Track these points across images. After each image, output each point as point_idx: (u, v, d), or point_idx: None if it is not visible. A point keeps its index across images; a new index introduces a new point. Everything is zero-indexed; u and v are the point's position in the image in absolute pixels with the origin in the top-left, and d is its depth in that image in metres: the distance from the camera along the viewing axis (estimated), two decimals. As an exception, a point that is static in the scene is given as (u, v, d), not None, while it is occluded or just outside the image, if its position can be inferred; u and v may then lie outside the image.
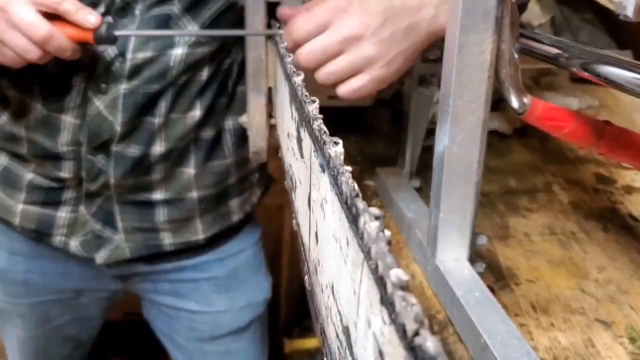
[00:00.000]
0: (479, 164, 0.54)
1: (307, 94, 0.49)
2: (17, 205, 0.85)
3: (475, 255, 0.59)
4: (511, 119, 0.97)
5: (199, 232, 0.90)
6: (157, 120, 0.78)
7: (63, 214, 0.84)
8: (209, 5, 0.75)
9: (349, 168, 0.36)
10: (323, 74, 0.62)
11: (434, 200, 0.57)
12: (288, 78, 0.59)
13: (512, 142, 0.97)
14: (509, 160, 0.93)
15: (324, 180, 0.40)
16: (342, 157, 0.37)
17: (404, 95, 0.77)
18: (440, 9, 0.59)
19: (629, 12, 0.47)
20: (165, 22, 0.74)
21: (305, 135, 0.48)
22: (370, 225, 0.30)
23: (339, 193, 0.36)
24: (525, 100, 0.56)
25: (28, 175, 0.84)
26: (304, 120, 0.48)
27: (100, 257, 0.86)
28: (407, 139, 0.77)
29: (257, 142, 0.82)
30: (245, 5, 0.74)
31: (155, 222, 0.86)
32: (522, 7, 0.68)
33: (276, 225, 1.61)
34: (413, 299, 0.24)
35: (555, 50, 0.58)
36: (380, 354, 0.27)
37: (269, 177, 1.00)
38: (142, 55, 0.74)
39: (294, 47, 0.63)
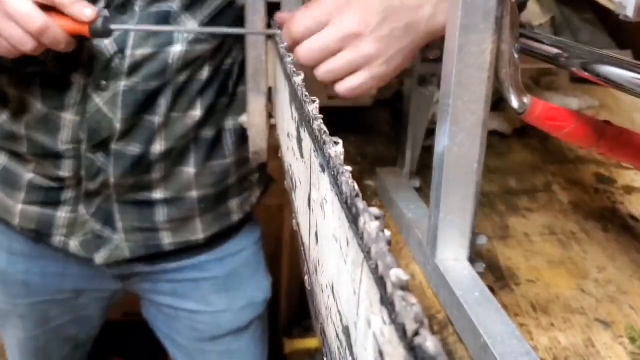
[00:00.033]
0: (479, 164, 0.54)
1: (307, 94, 0.49)
2: (17, 206, 0.85)
3: (475, 255, 0.59)
4: (511, 119, 0.97)
5: (198, 231, 0.90)
6: (157, 119, 0.78)
7: (62, 214, 0.84)
8: (208, 3, 0.75)
9: (349, 168, 0.36)
10: (322, 72, 0.62)
11: (434, 200, 0.57)
12: (288, 78, 0.59)
13: (512, 142, 0.97)
14: (509, 160, 0.93)
15: (324, 180, 0.40)
16: (342, 157, 0.37)
17: (404, 96, 0.77)
18: (438, 7, 0.59)
19: (629, 12, 0.47)
20: (165, 18, 0.74)
21: (305, 135, 0.48)
22: (370, 225, 0.30)
23: (339, 193, 0.36)
24: (525, 100, 0.56)
25: (27, 175, 0.84)
26: (304, 120, 0.48)
27: (100, 257, 0.86)
28: (407, 139, 0.77)
29: (257, 142, 0.82)
30: (245, 5, 0.74)
31: (154, 222, 0.86)
32: (521, 7, 0.68)
33: (276, 225, 1.61)
34: (413, 299, 0.24)
35: (555, 50, 0.58)
36: (381, 354, 0.27)
37: (269, 177, 1.00)
38: (141, 52, 0.74)
39: (293, 45, 0.63)
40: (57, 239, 0.86)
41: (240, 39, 0.78)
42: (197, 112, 0.81)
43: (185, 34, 0.75)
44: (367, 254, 0.29)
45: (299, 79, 0.53)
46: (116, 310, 1.07)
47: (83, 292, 0.96)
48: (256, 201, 0.98)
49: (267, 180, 1.00)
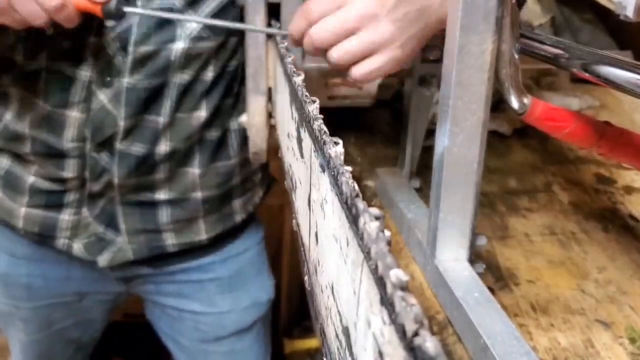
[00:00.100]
0: (479, 165, 0.54)
1: (307, 94, 0.49)
2: (20, 209, 0.85)
3: (475, 256, 0.59)
4: (511, 120, 0.97)
5: (202, 232, 0.90)
6: (161, 119, 0.78)
7: (66, 217, 0.84)
8: (209, 1, 0.75)
9: (349, 168, 0.36)
10: (338, 52, 0.60)
11: (433, 201, 0.57)
12: (288, 78, 0.59)
13: (512, 143, 0.97)
14: (509, 160, 0.93)
15: (324, 180, 0.40)
16: (342, 157, 0.37)
17: (404, 96, 0.77)
18: None
19: (629, 12, 0.47)
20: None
21: (305, 136, 0.48)
22: (370, 225, 0.30)
23: (339, 193, 0.36)
24: (526, 100, 0.56)
25: (30, 178, 0.83)
26: (304, 120, 0.48)
27: (103, 259, 0.86)
28: (407, 139, 0.77)
29: (257, 142, 0.82)
30: (245, 4, 0.74)
31: (158, 223, 0.86)
32: (520, 4, 0.68)
33: (277, 226, 1.61)
34: (413, 300, 0.24)
35: (555, 51, 0.58)
36: (380, 354, 0.27)
37: (271, 177, 1.01)
38: (144, 49, 0.74)
39: (308, 27, 0.62)
40: (61, 242, 0.86)
41: (243, 40, 0.78)
42: (202, 113, 0.81)
43: (188, 31, 0.75)
44: (367, 254, 0.29)
45: (299, 79, 0.53)
46: (117, 311, 1.07)
47: (86, 295, 0.96)
48: (259, 201, 0.98)
49: (270, 180, 1.00)
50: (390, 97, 0.99)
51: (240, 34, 0.78)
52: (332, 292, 0.39)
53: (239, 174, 0.90)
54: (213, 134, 0.84)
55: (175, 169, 0.83)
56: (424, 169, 0.77)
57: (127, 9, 0.68)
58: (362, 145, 0.95)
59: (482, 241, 0.59)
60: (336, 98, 0.93)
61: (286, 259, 1.68)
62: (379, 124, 1.02)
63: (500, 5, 0.49)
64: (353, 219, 0.32)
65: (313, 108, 0.45)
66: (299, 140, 0.51)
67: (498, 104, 0.84)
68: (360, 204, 0.32)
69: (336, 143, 0.39)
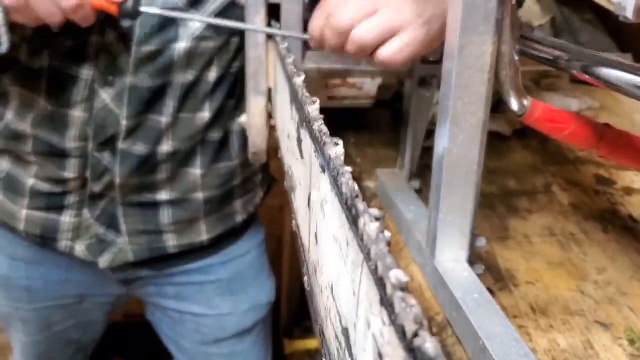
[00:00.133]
0: (479, 165, 0.54)
1: (307, 94, 0.49)
2: (21, 211, 0.85)
3: (474, 257, 0.59)
4: (511, 120, 0.97)
5: (202, 233, 0.90)
6: (164, 118, 0.78)
7: (67, 219, 0.84)
8: (211, 0, 0.75)
9: (349, 169, 0.36)
10: (360, 31, 0.59)
11: (433, 201, 0.57)
12: (288, 78, 0.59)
13: (512, 143, 0.97)
14: (509, 161, 0.93)
15: (324, 180, 0.40)
16: (342, 158, 0.38)
17: (404, 96, 0.77)
18: None
19: (629, 13, 0.47)
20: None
21: (305, 136, 0.48)
22: (370, 226, 0.30)
23: (339, 194, 0.36)
24: (525, 102, 0.56)
25: (29, 180, 0.83)
26: (304, 120, 0.48)
27: (104, 260, 0.86)
28: (406, 140, 0.77)
29: (257, 142, 0.82)
30: (245, 4, 0.74)
31: (159, 224, 0.86)
32: (519, 4, 0.68)
33: (277, 226, 1.61)
34: (412, 300, 0.24)
35: (555, 52, 0.58)
36: (380, 355, 0.27)
37: (271, 177, 1.01)
38: (147, 48, 0.74)
39: (325, 20, 0.61)
40: (63, 244, 0.86)
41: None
42: (205, 114, 0.81)
43: (191, 31, 0.75)
44: (367, 254, 0.29)
45: (299, 80, 0.53)
46: (117, 311, 1.07)
47: (86, 297, 0.96)
48: (259, 202, 0.98)
49: (270, 180, 1.00)
50: (390, 98, 0.99)
51: (243, 34, 0.78)
52: (332, 293, 0.39)
53: (240, 175, 0.90)
54: (215, 134, 0.84)
55: (177, 169, 0.83)
56: (423, 169, 0.77)
57: (143, 8, 0.68)
58: (362, 145, 0.95)
59: (481, 242, 0.59)
60: (336, 98, 0.93)
61: (286, 260, 1.68)
62: (378, 124, 1.02)
63: (500, 6, 0.49)
64: (353, 219, 0.32)
65: (313, 109, 0.45)
66: (299, 141, 0.51)
67: (498, 104, 0.84)
68: (360, 205, 0.32)
69: (336, 143, 0.39)
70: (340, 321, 0.36)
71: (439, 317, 0.58)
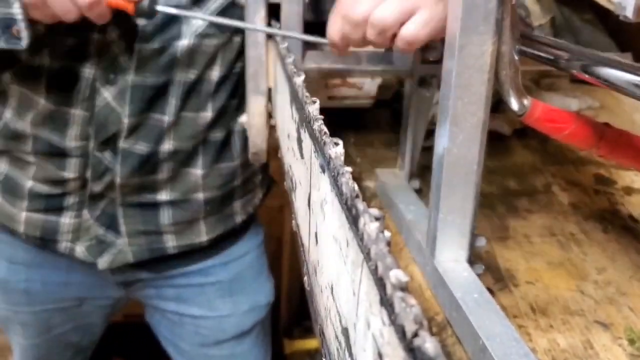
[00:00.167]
0: (479, 165, 0.54)
1: (307, 94, 0.49)
2: (21, 213, 0.85)
3: (474, 257, 0.59)
4: (511, 120, 0.97)
5: (202, 234, 0.90)
6: (166, 117, 0.78)
7: (67, 220, 0.84)
8: None
9: (349, 169, 0.36)
10: (381, 11, 0.59)
11: (433, 201, 0.57)
12: (288, 78, 0.59)
13: (512, 143, 0.97)
14: (509, 161, 0.93)
15: (324, 181, 0.40)
16: (342, 158, 0.38)
17: (404, 96, 0.77)
18: None
19: (629, 12, 0.47)
20: None
21: (305, 136, 0.48)
22: (370, 226, 0.30)
23: (339, 194, 0.36)
24: (525, 102, 0.56)
25: (28, 182, 0.83)
26: (304, 120, 0.48)
27: (104, 261, 0.85)
28: (406, 140, 0.77)
29: (257, 142, 0.82)
30: (245, 4, 0.74)
31: (159, 225, 0.86)
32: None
33: (277, 226, 1.61)
34: (412, 300, 0.24)
35: (555, 52, 0.58)
36: (380, 355, 0.27)
37: (270, 178, 1.01)
38: (150, 46, 0.74)
39: (344, 19, 0.62)
40: (63, 245, 0.86)
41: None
42: (208, 114, 0.81)
43: (194, 28, 0.75)
44: (367, 254, 0.29)
45: (299, 80, 0.53)
46: (117, 312, 1.07)
47: (86, 300, 0.96)
48: (258, 202, 0.98)
49: (269, 181, 1.00)
50: (390, 98, 0.99)
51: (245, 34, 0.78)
52: (332, 293, 0.39)
53: (241, 175, 0.90)
54: (217, 134, 0.84)
55: (178, 169, 0.83)
56: (423, 169, 0.77)
57: (160, 7, 0.68)
58: (362, 145, 0.95)
59: (481, 242, 0.59)
60: (336, 98, 0.93)
61: (286, 260, 1.68)
62: (379, 124, 1.02)
63: (500, 6, 0.49)
64: (353, 219, 0.32)
65: (313, 109, 0.45)
66: (299, 141, 0.51)
67: (498, 104, 0.84)
68: (360, 205, 0.32)
69: (336, 144, 0.39)
70: (340, 321, 0.36)
71: (439, 317, 0.58)
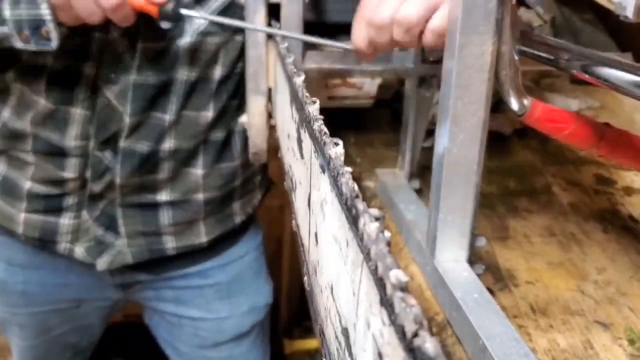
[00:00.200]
0: (479, 165, 0.54)
1: (307, 94, 0.49)
2: (20, 214, 0.84)
3: (475, 257, 0.59)
4: (511, 120, 0.97)
5: (202, 235, 0.89)
6: (168, 116, 0.78)
7: (66, 221, 0.84)
8: None
9: (349, 169, 0.36)
10: (406, 8, 0.59)
11: (433, 201, 0.57)
12: (289, 78, 0.59)
13: (512, 143, 0.97)
14: (509, 161, 0.93)
15: (324, 181, 0.40)
16: (342, 158, 0.37)
17: (404, 96, 0.77)
18: None
19: (629, 12, 0.47)
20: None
21: (305, 136, 0.48)
22: (370, 226, 0.30)
23: (339, 194, 0.36)
24: (525, 102, 0.56)
25: (26, 183, 0.83)
26: (304, 121, 0.48)
27: (102, 262, 0.85)
28: (406, 140, 0.77)
29: (257, 142, 0.82)
30: (245, 4, 0.74)
31: (158, 225, 0.86)
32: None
33: (277, 226, 1.61)
34: (412, 300, 0.24)
35: (555, 52, 0.58)
36: (380, 355, 0.27)
37: (270, 179, 1.00)
38: (152, 45, 0.74)
39: (366, 23, 0.62)
40: (62, 246, 0.85)
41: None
42: (209, 113, 0.81)
43: (195, 26, 0.75)
44: (367, 255, 0.29)
45: (299, 80, 0.53)
46: (116, 312, 1.07)
47: (84, 302, 0.96)
48: (257, 203, 0.98)
49: (268, 183, 1.00)
50: (390, 98, 0.99)
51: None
52: (332, 293, 0.39)
53: (241, 176, 0.90)
54: (218, 134, 0.83)
55: (179, 169, 0.83)
56: (424, 169, 0.77)
57: (184, 11, 0.68)
58: (362, 145, 0.95)
59: (481, 242, 0.59)
60: (336, 98, 0.93)
61: (286, 260, 1.68)
62: (379, 124, 1.02)
63: (500, 6, 0.49)
64: (353, 219, 0.32)
65: (313, 109, 0.45)
66: (299, 141, 0.51)
67: (498, 104, 0.84)
68: (360, 205, 0.32)
69: (336, 144, 0.39)
70: (340, 321, 0.36)
71: (439, 317, 0.58)
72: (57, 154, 0.79)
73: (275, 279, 1.05)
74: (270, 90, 0.78)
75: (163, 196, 0.84)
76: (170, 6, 0.66)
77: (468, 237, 0.57)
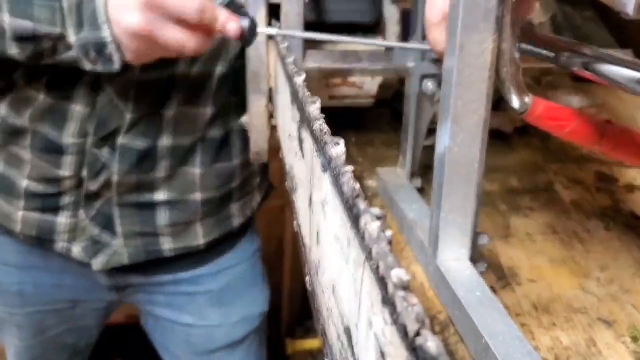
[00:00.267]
0: (480, 164, 0.54)
1: (308, 94, 0.49)
2: (18, 213, 0.85)
3: (477, 255, 0.59)
4: (512, 118, 0.97)
5: (199, 236, 0.89)
6: (167, 112, 0.78)
7: (63, 220, 0.84)
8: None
9: (351, 168, 0.36)
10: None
11: (435, 200, 0.57)
12: (289, 78, 0.59)
13: (514, 141, 0.97)
14: (511, 159, 0.93)
15: (326, 180, 0.40)
16: (343, 158, 0.37)
17: (405, 96, 0.77)
18: None
19: (629, 9, 0.46)
20: None
21: (306, 136, 0.48)
22: (371, 225, 0.30)
23: (341, 193, 0.36)
24: (527, 100, 0.56)
25: (24, 182, 0.83)
26: (306, 120, 0.48)
27: (98, 262, 0.85)
28: (408, 139, 0.77)
29: (258, 142, 0.82)
30: (245, 4, 0.74)
31: (156, 226, 0.85)
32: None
33: (278, 226, 1.61)
34: (414, 300, 0.24)
35: (556, 50, 0.58)
36: (382, 354, 0.27)
37: (269, 183, 1.00)
38: None
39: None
40: (60, 245, 0.85)
41: None
42: (208, 110, 0.80)
43: None
44: (369, 254, 0.29)
45: (300, 80, 0.53)
46: (118, 313, 1.07)
47: (79, 303, 0.96)
48: (256, 206, 0.97)
49: (268, 186, 1.00)
50: (391, 97, 0.99)
51: None
52: (334, 293, 0.39)
53: (239, 177, 0.89)
54: (216, 132, 0.83)
55: (176, 168, 0.83)
56: (425, 168, 0.77)
57: (261, 30, 0.69)
58: (363, 145, 0.95)
59: (484, 240, 0.59)
60: (337, 98, 0.93)
61: (288, 260, 1.68)
62: (380, 123, 1.02)
63: (500, 4, 0.49)
64: (354, 219, 0.32)
65: (314, 108, 0.45)
66: (300, 141, 0.51)
67: (499, 102, 0.84)
68: (362, 204, 0.32)
69: (337, 143, 0.39)
70: (343, 321, 0.36)
71: (441, 316, 0.58)
72: (54, 151, 0.79)
73: (276, 279, 1.05)
74: (271, 90, 0.78)
75: (160, 196, 0.84)
76: (247, 34, 0.67)
77: (470, 236, 0.57)
